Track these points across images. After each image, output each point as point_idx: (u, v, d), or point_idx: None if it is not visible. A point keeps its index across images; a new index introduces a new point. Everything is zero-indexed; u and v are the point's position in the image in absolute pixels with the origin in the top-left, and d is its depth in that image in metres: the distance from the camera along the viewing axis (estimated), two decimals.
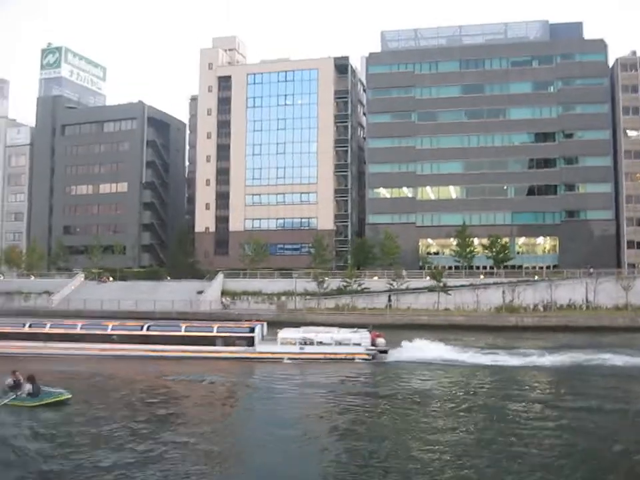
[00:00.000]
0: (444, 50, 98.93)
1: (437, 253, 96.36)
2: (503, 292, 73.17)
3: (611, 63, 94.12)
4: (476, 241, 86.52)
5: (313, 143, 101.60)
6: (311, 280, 80.00)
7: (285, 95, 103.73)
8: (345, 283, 78.74)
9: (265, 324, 43.46)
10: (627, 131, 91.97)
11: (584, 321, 63.67)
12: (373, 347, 39.45)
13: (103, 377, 33.91)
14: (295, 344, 39.79)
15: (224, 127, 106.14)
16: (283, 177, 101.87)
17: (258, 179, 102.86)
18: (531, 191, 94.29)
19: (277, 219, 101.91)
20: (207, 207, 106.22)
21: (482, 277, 79.76)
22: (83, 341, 41.46)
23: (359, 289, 77.99)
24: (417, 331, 59.88)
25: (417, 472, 17.57)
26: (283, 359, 38.77)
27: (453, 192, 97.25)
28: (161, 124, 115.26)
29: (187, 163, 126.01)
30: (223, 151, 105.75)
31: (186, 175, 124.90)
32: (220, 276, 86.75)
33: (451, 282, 76.95)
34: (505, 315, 68.09)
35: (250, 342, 40.03)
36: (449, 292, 74.88)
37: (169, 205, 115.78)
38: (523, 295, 72.97)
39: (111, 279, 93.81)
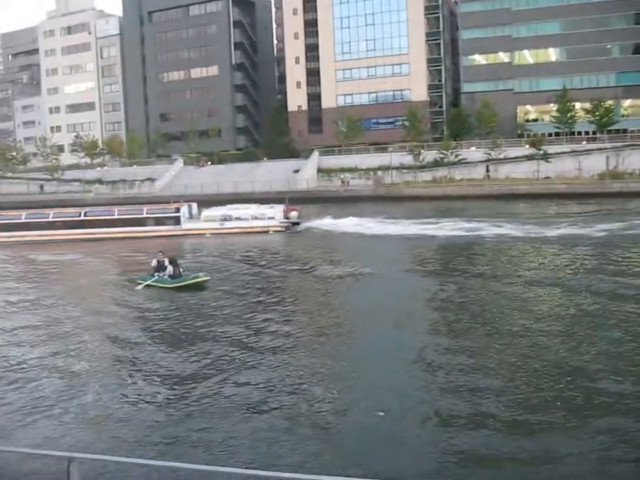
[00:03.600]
0: None
1: (535, 120, 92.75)
2: (607, 157, 70.63)
3: None
4: (577, 105, 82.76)
5: (402, 11, 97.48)
6: (406, 153, 79.55)
7: None
8: (441, 155, 77.91)
9: (195, 204, 49.65)
10: None
11: None
12: (286, 220, 45.21)
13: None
14: (216, 220, 45.68)
15: (310, 1, 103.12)
16: (373, 49, 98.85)
17: (348, 53, 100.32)
18: (637, 49, 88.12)
19: (369, 93, 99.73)
20: (298, 85, 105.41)
21: (584, 142, 77.06)
22: (27, 228, 46.15)
23: (456, 160, 77.05)
24: (515, 201, 59.64)
25: None
26: (205, 234, 44.82)
27: (552, 54, 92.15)
28: (246, 3, 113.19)
29: (274, 42, 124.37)
30: (311, 26, 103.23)
31: (275, 54, 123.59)
32: (315, 154, 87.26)
33: (551, 149, 74.97)
34: (608, 182, 65.95)
35: (177, 221, 46.29)
36: (549, 159, 73.00)
37: (260, 85, 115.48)
38: (628, 160, 70.27)
39: (209, 163, 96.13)
